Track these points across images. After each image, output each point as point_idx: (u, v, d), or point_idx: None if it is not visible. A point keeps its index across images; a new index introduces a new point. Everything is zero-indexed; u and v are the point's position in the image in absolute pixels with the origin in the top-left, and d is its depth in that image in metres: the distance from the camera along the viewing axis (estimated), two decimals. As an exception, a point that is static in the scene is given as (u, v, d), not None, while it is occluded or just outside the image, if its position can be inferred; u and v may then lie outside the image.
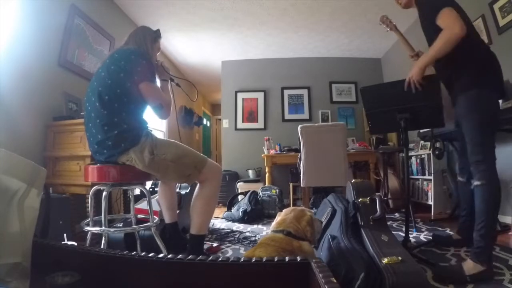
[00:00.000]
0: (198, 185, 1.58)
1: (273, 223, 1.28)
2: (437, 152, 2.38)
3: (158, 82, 1.60)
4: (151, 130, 1.54)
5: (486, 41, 2.47)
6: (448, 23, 1.39)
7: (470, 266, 1.27)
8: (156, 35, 1.63)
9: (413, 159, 3.25)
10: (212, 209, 1.61)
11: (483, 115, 1.40)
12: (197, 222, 1.54)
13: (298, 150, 3.01)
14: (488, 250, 1.29)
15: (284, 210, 1.34)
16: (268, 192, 3.40)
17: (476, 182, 1.36)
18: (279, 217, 1.29)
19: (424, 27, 1.63)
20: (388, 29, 2.01)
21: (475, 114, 1.41)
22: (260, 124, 4.71)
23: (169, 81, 1.68)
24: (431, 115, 1.57)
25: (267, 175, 3.72)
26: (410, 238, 1.70)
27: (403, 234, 1.64)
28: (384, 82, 1.94)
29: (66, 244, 1.13)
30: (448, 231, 2.16)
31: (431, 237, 1.94)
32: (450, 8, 1.40)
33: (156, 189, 2.13)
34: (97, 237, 1.49)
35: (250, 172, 4.33)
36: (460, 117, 1.51)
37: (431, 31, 1.49)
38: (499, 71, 1.46)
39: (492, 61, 1.47)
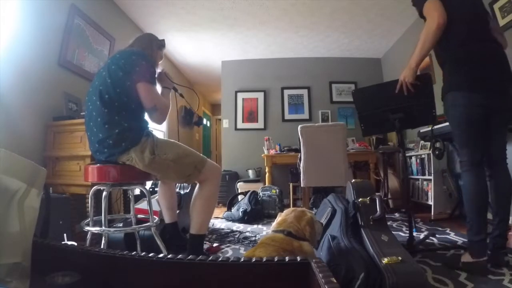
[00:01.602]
0: (197, 185, 1.58)
1: (274, 223, 1.28)
2: (437, 152, 2.37)
3: (158, 87, 1.60)
4: (152, 130, 1.55)
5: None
6: (427, 16, 1.40)
7: (465, 256, 1.38)
8: (161, 44, 1.66)
9: (413, 159, 3.25)
10: (211, 209, 1.61)
11: (450, 120, 1.48)
12: (197, 222, 1.54)
13: (298, 150, 3.01)
14: (474, 245, 1.35)
15: (284, 211, 1.34)
16: (268, 192, 3.40)
17: (460, 182, 1.45)
18: (279, 218, 1.29)
19: None
20: None
21: (448, 119, 1.49)
22: (260, 124, 4.71)
23: (173, 90, 1.68)
24: (423, 113, 1.57)
25: (267, 175, 3.72)
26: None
27: (403, 234, 1.65)
28: (376, 84, 1.94)
29: (66, 244, 1.13)
30: (448, 230, 2.17)
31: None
32: (433, 1, 1.39)
33: (156, 189, 2.13)
34: (97, 237, 1.49)
35: (250, 172, 4.33)
36: None
37: None
38: (476, 71, 1.37)
39: (468, 60, 1.39)
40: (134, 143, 1.37)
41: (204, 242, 1.67)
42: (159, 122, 1.52)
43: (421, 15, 1.47)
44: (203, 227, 1.57)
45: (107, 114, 1.36)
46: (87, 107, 1.45)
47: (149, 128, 1.52)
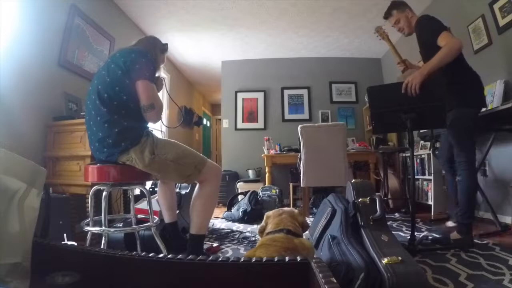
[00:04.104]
0: (197, 185, 1.58)
1: (266, 226, 1.27)
2: (437, 152, 2.38)
3: None
4: (152, 130, 1.54)
5: (486, 41, 2.49)
6: (449, 40, 1.68)
7: (454, 234, 1.79)
8: (164, 48, 1.68)
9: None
10: (211, 209, 1.61)
11: (459, 129, 1.78)
12: (197, 222, 1.54)
13: (298, 150, 3.01)
14: (463, 226, 1.74)
15: (270, 214, 1.33)
16: (268, 192, 3.40)
17: (458, 178, 1.79)
18: (272, 219, 1.29)
19: (423, 48, 1.92)
20: (380, 38, 2.20)
21: (455, 128, 1.78)
22: (260, 124, 4.71)
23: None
24: (435, 116, 1.61)
25: (267, 175, 3.72)
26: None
27: (403, 234, 1.65)
28: (391, 83, 2.02)
29: (66, 244, 1.13)
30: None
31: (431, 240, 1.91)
32: (447, 31, 1.73)
33: (156, 189, 2.12)
34: (97, 237, 1.49)
35: (250, 172, 4.33)
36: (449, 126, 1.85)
37: (431, 51, 1.73)
38: (480, 90, 1.81)
39: (475, 83, 1.80)
40: (134, 143, 1.37)
41: (204, 242, 1.67)
42: (155, 121, 1.49)
43: (432, 44, 1.72)
44: (203, 227, 1.57)
45: (106, 113, 1.36)
46: (87, 106, 1.45)
47: (149, 128, 1.52)
